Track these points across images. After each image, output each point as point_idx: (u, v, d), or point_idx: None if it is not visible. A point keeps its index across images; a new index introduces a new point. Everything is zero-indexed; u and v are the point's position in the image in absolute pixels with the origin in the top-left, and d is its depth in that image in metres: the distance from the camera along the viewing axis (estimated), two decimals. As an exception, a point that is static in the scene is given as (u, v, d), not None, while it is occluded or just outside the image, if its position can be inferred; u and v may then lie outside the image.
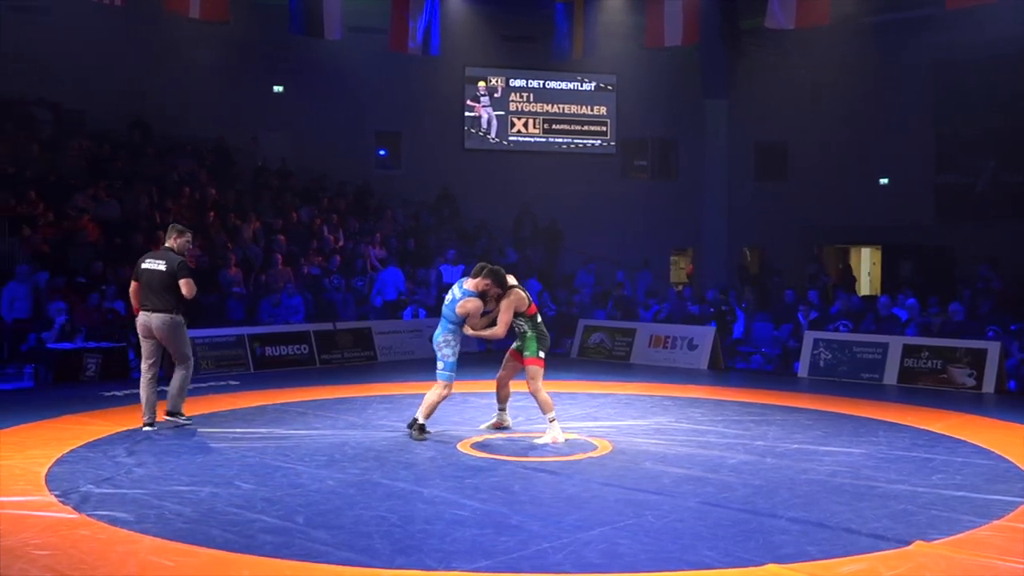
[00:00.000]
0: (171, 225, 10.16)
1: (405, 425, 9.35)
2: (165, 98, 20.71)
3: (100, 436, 9.09)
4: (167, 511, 6.50)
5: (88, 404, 11.06)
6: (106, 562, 5.51)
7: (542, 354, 8.99)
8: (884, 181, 24.54)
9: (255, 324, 15.27)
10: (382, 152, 24.03)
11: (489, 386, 12.62)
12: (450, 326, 8.95)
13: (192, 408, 10.75)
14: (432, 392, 9.02)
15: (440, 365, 8.97)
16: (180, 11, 17.49)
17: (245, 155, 21.48)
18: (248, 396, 11.75)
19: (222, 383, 12.97)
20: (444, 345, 8.96)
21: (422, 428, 9.00)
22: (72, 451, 8.40)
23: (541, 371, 8.96)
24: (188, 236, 9.99)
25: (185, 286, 9.49)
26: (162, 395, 9.80)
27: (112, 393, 11.90)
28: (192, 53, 20.92)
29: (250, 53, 21.63)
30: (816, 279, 19.63)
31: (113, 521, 6.26)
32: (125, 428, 9.52)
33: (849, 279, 21.40)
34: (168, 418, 9.73)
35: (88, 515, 6.40)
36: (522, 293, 8.95)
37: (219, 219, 17.95)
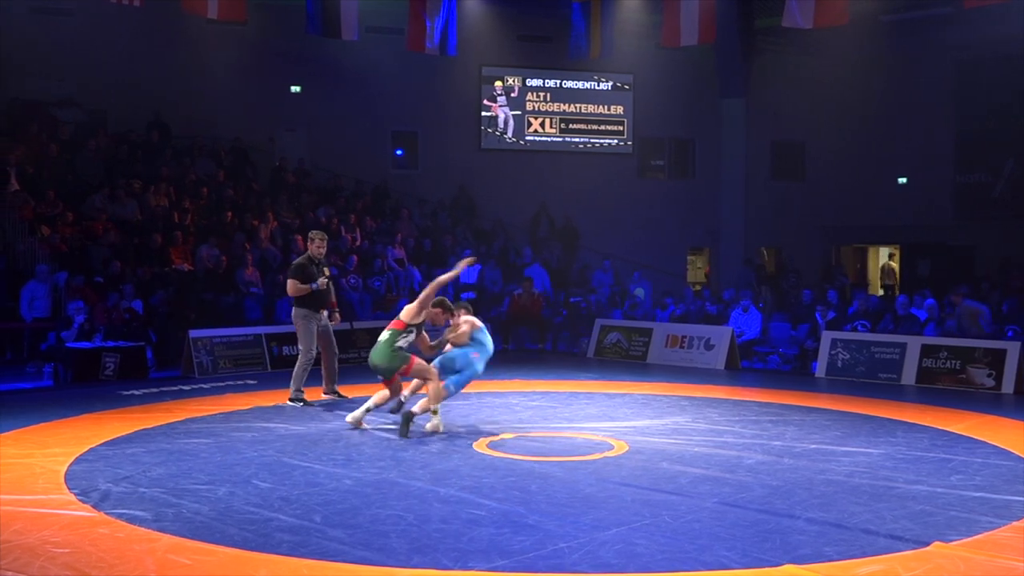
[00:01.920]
0: None
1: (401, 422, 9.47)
2: (183, 98, 20.79)
3: (119, 435, 9.14)
4: (185, 509, 6.53)
5: (107, 403, 11.12)
6: (124, 560, 5.54)
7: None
8: (903, 180, 24.44)
9: (273, 324, 15.32)
10: (399, 152, 24.07)
11: (504, 386, 12.63)
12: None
13: (209, 407, 10.83)
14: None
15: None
16: (198, 12, 17.59)
17: (263, 155, 21.56)
18: (266, 395, 11.79)
19: (240, 382, 13.03)
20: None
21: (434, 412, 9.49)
22: (91, 450, 8.45)
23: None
24: (316, 241, 11.20)
25: (287, 285, 11.02)
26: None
27: (131, 392, 11.96)
28: (210, 54, 21.01)
29: (267, 53, 21.70)
30: (832, 279, 19.54)
31: (131, 519, 6.29)
32: (144, 427, 9.57)
33: (888, 279, 21.17)
34: (289, 402, 10.96)
35: (107, 513, 6.44)
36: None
37: (236, 219, 18.02)
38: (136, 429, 9.45)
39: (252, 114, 21.79)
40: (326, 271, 11.24)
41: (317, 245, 11.23)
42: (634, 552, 5.66)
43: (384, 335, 9.37)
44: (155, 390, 12.24)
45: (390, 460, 8.11)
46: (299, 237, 17.78)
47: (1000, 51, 21.82)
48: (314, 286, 10.90)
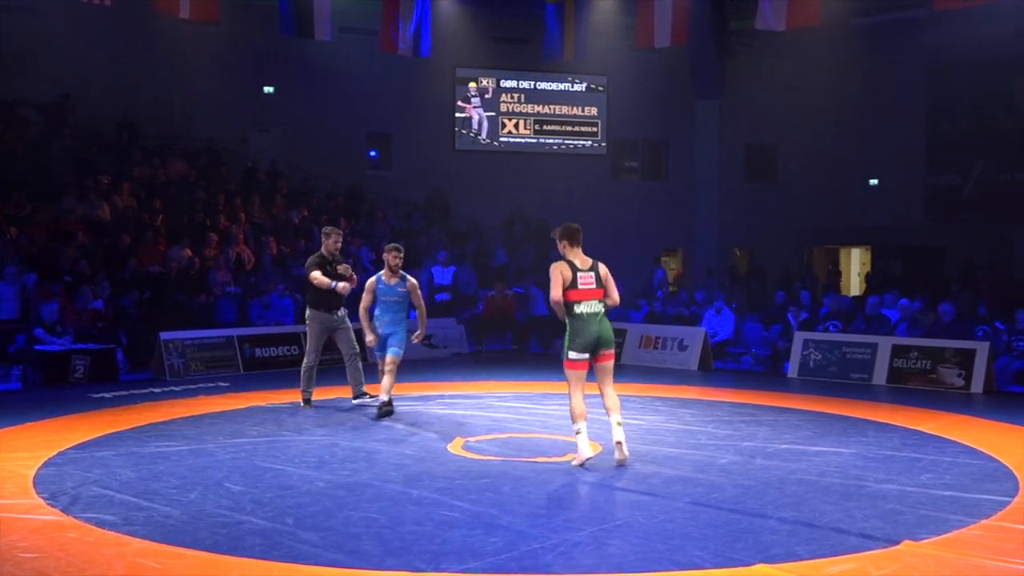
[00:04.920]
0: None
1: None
2: (154, 99, 20.62)
3: (88, 438, 9.06)
4: (155, 513, 6.48)
5: (76, 406, 11.02)
6: (93, 565, 5.49)
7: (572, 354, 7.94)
8: (874, 182, 24.64)
9: (245, 326, 15.23)
10: (373, 153, 24.00)
11: (477, 387, 12.62)
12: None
13: (181, 410, 10.75)
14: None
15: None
16: (170, 12, 17.44)
17: (235, 156, 21.44)
18: (238, 397, 11.73)
19: (212, 385, 12.94)
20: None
21: (383, 405, 10.15)
22: (60, 453, 8.37)
23: (573, 371, 7.98)
24: (332, 237, 10.88)
25: (309, 278, 10.69)
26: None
27: (101, 395, 11.87)
28: (182, 53, 20.85)
29: (240, 54, 21.56)
30: (803, 280, 19.66)
31: (101, 523, 6.24)
32: (114, 430, 9.49)
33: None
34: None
35: (76, 517, 6.38)
36: (567, 268, 7.93)
37: (208, 220, 17.91)
38: (106, 432, 9.37)
39: (225, 114, 21.66)
40: (339, 268, 10.79)
41: (333, 241, 10.81)
42: (607, 553, 5.66)
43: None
44: (125, 393, 12.14)
45: (363, 462, 8.08)
46: (272, 239, 17.72)
47: (970, 54, 22.05)
48: (333, 285, 10.51)
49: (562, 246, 7.99)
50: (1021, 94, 22.04)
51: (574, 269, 7.85)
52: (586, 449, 7.80)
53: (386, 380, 10.18)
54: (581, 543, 5.82)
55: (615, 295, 8.04)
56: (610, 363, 7.95)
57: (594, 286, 7.88)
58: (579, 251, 7.97)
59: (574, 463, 7.86)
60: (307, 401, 10.90)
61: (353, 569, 5.38)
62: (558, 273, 7.81)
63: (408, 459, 8.19)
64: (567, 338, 7.86)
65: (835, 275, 22.66)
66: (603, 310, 7.92)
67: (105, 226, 16.77)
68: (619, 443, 7.79)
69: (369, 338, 10.20)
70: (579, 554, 5.63)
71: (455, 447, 8.67)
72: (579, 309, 7.81)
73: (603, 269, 8.00)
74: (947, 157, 23.40)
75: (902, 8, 21.42)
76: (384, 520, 6.30)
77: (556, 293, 7.78)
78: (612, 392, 7.93)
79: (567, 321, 7.86)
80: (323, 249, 10.90)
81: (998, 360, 13.00)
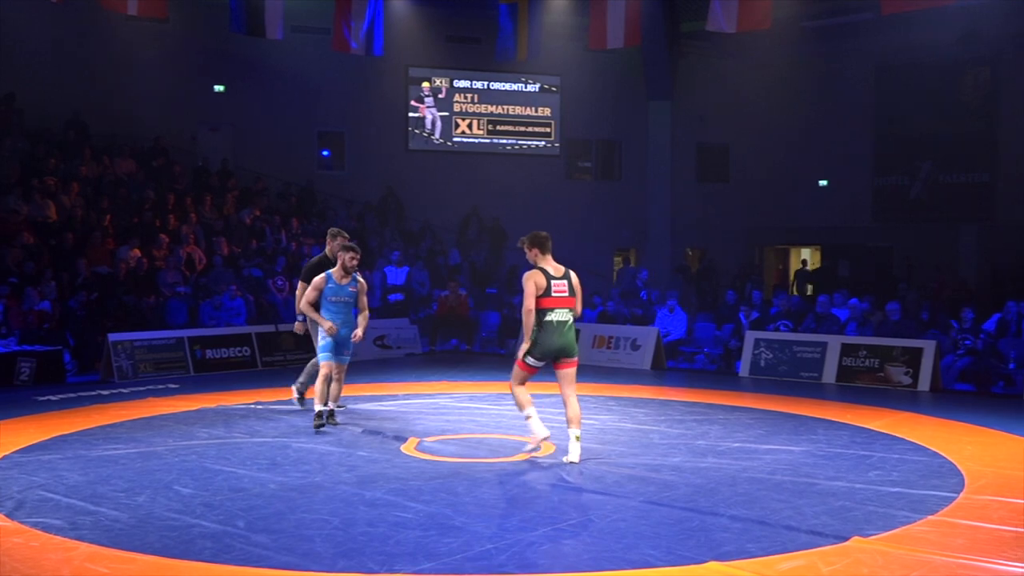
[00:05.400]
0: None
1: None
2: (102, 97, 20.34)
3: (34, 442, 8.90)
4: (103, 517, 6.38)
5: (21, 409, 10.83)
6: (40, 570, 5.39)
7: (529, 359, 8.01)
8: (824, 183, 24.95)
9: (196, 327, 15.05)
10: (325, 152, 23.86)
11: (431, 387, 12.59)
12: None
13: (129, 412, 10.60)
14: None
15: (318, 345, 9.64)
16: (116, 8, 17.19)
17: (185, 155, 21.20)
18: (188, 399, 11.59)
19: (161, 387, 12.77)
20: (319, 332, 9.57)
21: (320, 415, 9.43)
22: (4, 457, 8.22)
23: (521, 372, 8.12)
24: (338, 239, 10.23)
25: (298, 289, 10.20)
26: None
27: (47, 398, 11.67)
28: (130, 51, 20.59)
29: (190, 52, 21.34)
30: (750, 279, 19.85)
31: (47, 528, 6.13)
32: (60, 433, 9.33)
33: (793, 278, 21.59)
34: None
35: (21, 522, 6.26)
36: (541, 276, 7.97)
37: (158, 220, 17.68)
38: (52, 435, 9.21)
39: (174, 113, 21.42)
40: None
41: (339, 243, 10.08)
42: (561, 552, 5.67)
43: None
44: (73, 395, 11.95)
45: (316, 464, 8.02)
46: (223, 239, 17.54)
47: (917, 56, 22.43)
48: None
49: (533, 254, 8.03)
50: (966, 96, 22.45)
51: (548, 277, 7.90)
52: (540, 430, 8.03)
53: (335, 387, 9.67)
54: (535, 543, 5.82)
55: (580, 308, 8.15)
56: (572, 370, 8.03)
57: (567, 294, 7.95)
58: (550, 259, 8.05)
59: (529, 447, 8.14)
60: (302, 397, 10.70)
61: (305, 571, 5.34)
62: (532, 283, 7.86)
63: (361, 460, 8.14)
64: (531, 343, 7.89)
65: (785, 275, 22.92)
66: (572, 319, 7.98)
67: (51, 226, 16.49)
68: (572, 463, 7.88)
69: (327, 325, 9.42)
70: (533, 554, 5.63)
71: (409, 448, 8.64)
72: (550, 317, 7.85)
73: (575, 278, 8.09)
74: (894, 158, 23.77)
75: (851, 11, 21.71)
76: (337, 522, 6.26)
77: (530, 303, 7.84)
78: (575, 402, 8.02)
79: (535, 329, 7.87)
80: (327, 250, 10.35)
81: (944, 358, 13.22)
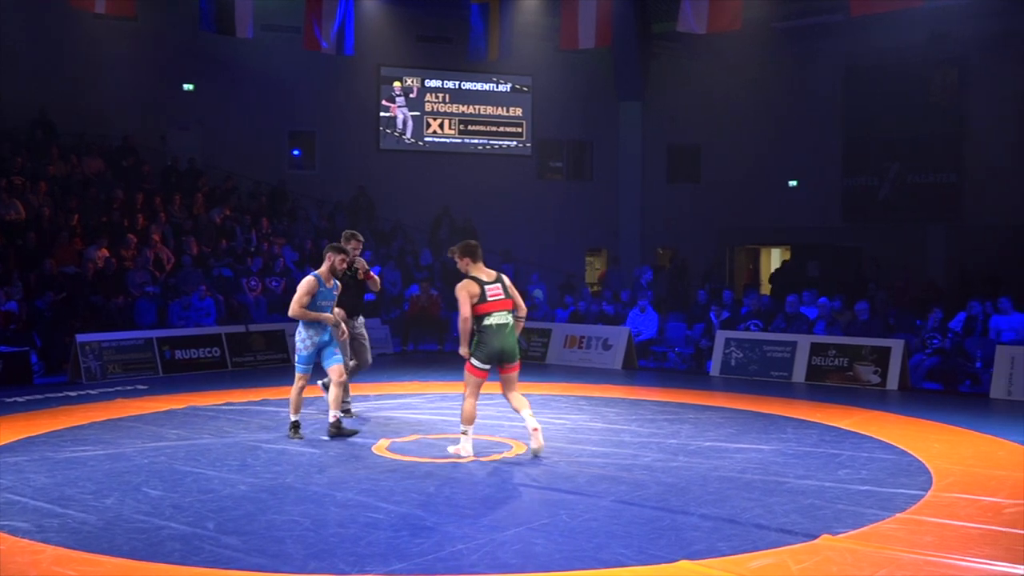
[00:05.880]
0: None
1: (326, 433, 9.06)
2: (70, 96, 20.13)
3: (0, 444, 8.79)
4: (71, 520, 6.32)
5: (-12, 410, 10.71)
6: (6, 573, 5.33)
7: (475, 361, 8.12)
8: (793, 183, 25.11)
9: (165, 328, 14.94)
10: (296, 152, 23.74)
11: (403, 388, 12.57)
12: (299, 326, 9.00)
13: (97, 413, 10.51)
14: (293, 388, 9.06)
15: (295, 358, 9.06)
16: (84, 7, 17.04)
17: (154, 154, 21.02)
18: (157, 400, 11.49)
19: (130, 388, 12.66)
20: (296, 337, 9.04)
21: (295, 426, 9.04)
22: (-30, 459, 8.13)
23: (473, 377, 8.19)
24: (352, 243, 9.75)
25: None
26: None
27: (14, 399, 11.54)
28: (98, 50, 20.39)
29: (159, 50, 21.17)
30: (710, 280, 19.95)
31: (13, 531, 6.06)
32: (27, 435, 9.23)
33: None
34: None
35: (-13, 525, 6.20)
36: (474, 284, 8.07)
37: (126, 220, 17.52)
38: (19, 437, 9.12)
39: (143, 112, 21.23)
40: (361, 272, 9.99)
41: (353, 246, 9.85)
42: (532, 552, 5.67)
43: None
44: (40, 396, 11.83)
45: (287, 465, 7.98)
46: (192, 239, 17.41)
47: (886, 58, 22.62)
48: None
49: (464, 263, 8.18)
50: (935, 97, 22.67)
51: (481, 283, 8.07)
52: (467, 450, 8.18)
53: (336, 391, 9.08)
54: (507, 543, 5.82)
55: (523, 305, 8.30)
56: (514, 374, 8.23)
57: (502, 296, 8.12)
58: (482, 265, 8.20)
59: (451, 449, 8.32)
60: (346, 412, 10.00)
61: (276, 573, 5.32)
62: (465, 293, 8.00)
63: (332, 461, 8.11)
64: (473, 345, 8.08)
65: (756, 275, 23.05)
66: (511, 322, 8.12)
67: (18, 226, 16.30)
68: (535, 430, 8.10)
69: (331, 318, 8.91)
70: (504, 554, 5.63)
71: (380, 448, 8.61)
72: (488, 321, 8.03)
73: (507, 280, 8.26)
74: (864, 159, 23.96)
75: (820, 13, 21.86)
76: (307, 523, 6.23)
77: (465, 311, 7.98)
78: (517, 394, 8.26)
79: (475, 334, 8.06)
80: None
81: (912, 357, 13.34)
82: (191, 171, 20.59)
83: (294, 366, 9.08)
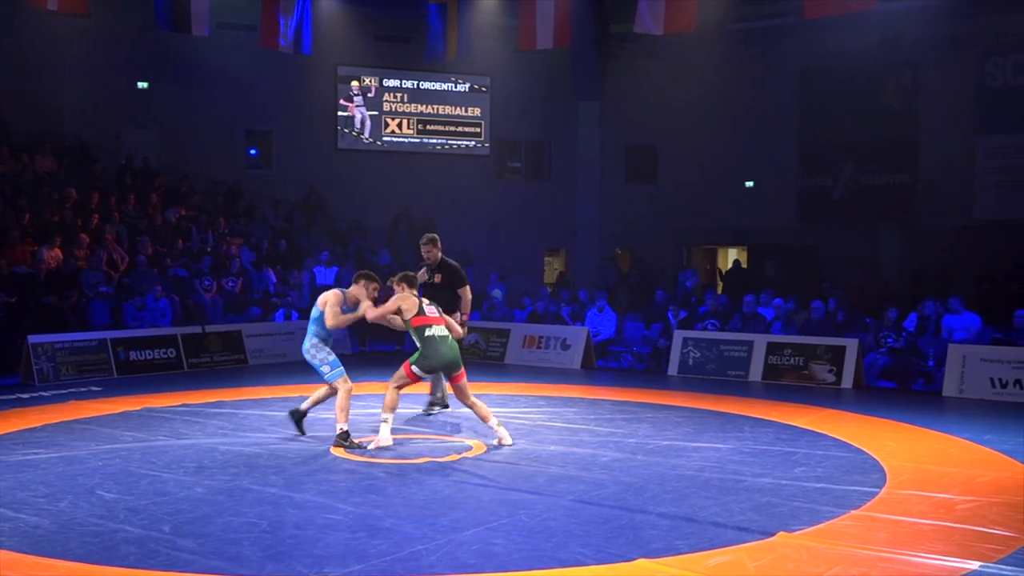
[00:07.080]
0: None
1: (334, 440, 8.74)
2: (22, 93, 19.80)
3: (-50, 447, 8.65)
4: (23, 523, 6.23)
5: (-63, 413, 10.51)
6: (-45, 579, 5.25)
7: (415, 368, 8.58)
8: (750, 184, 25.32)
9: (119, 328, 14.74)
10: (253, 151, 23.55)
11: (361, 388, 12.51)
12: (314, 339, 8.88)
13: (50, 416, 10.36)
14: (338, 397, 8.76)
15: (325, 370, 8.83)
16: (37, 3, 16.78)
17: (108, 153, 20.74)
18: (111, 402, 11.35)
19: (83, 389, 12.49)
20: (315, 350, 8.85)
21: (346, 435, 8.64)
22: (-81, 463, 7.98)
23: (406, 377, 8.66)
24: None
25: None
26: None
27: (-36, 401, 11.35)
28: (51, 47, 20.08)
29: (113, 47, 20.88)
30: (659, 282, 20.08)
31: (-36, 536, 5.97)
32: (-22, 438, 9.07)
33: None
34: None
35: (-64, 530, 6.09)
36: (412, 298, 8.69)
37: (80, 220, 17.28)
38: (-31, 440, 8.96)
39: (97, 110, 20.93)
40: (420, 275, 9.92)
41: (427, 249, 10.10)
42: (491, 552, 5.68)
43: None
44: (-9, 399, 11.65)
45: (243, 466, 7.91)
46: (147, 238, 17.21)
47: (840, 60, 22.88)
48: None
49: (400, 288, 8.76)
50: (888, 99, 22.97)
51: (419, 301, 8.71)
52: (386, 439, 8.53)
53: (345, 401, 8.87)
54: (465, 543, 5.82)
55: (459, 329, 8.96)
56: (463, 381, 8.69)
57: (437, 315, 8.77)
58: (416, 293, 8.85)
59: (371, 446, 8.49)
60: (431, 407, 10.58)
61: (233, 575, 5.27)
62: (401, 301, 8.60)
63: (290, 462, 8.06)
64: (418, 354, 8.61)
65: (712, 275, 23.20)
66: (450, 334, 8.74)
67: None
68: (508, 445, 8.62)
69: (374, 309, 8.83)
70: (463, 554, 5.63)
71: (338, 449, 8.57)
72: (431, 332, 8.58)
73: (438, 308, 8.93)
74: (818, 160, 24.21)
75: (775, 15, 22.05)
76: (265, 525, 6.19)
77: (386, 310, 8.64)
78: (477, 401, 8.79)
79: (417, 341, 8.63)
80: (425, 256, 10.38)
81: (867, 356, 13.51)
82: (146, 170, 20.35)
83: (325, 379, 8.86)
